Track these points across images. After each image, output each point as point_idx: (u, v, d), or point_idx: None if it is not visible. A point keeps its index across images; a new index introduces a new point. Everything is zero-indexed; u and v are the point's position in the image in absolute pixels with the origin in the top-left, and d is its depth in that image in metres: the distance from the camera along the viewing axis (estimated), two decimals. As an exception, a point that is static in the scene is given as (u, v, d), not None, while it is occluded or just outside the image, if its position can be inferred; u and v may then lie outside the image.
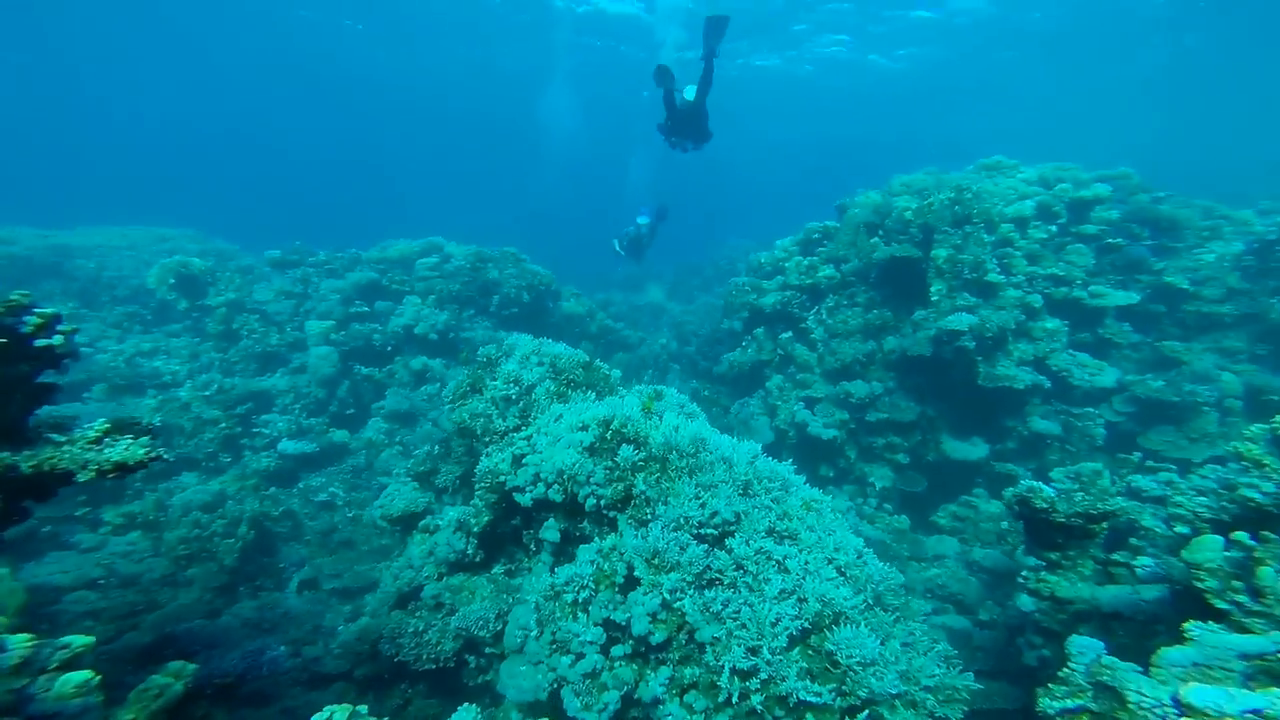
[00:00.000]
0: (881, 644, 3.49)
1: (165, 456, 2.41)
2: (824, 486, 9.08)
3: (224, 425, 8.51)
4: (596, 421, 4.31)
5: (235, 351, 9.79)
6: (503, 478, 4.47)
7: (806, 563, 3.80)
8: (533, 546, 4.84)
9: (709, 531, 3.84)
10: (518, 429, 5.06)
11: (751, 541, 3.79)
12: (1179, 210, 9.06)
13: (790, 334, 10.02)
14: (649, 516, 3.94)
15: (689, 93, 8.54)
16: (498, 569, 5.14)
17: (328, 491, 8.27)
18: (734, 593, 3.61)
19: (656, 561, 3.76)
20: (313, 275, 11.07)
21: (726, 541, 3.83)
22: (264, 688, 5.39)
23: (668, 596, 3.63)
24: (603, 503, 4.10)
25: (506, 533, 5.07)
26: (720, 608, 3.55)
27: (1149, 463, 6.95)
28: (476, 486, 4.73)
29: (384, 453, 9.09)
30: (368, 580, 7.57)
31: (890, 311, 9.26)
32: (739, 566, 3.72)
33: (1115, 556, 4.41)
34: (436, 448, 6.49)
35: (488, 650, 4.76)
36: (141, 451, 2.32)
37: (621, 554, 3.92)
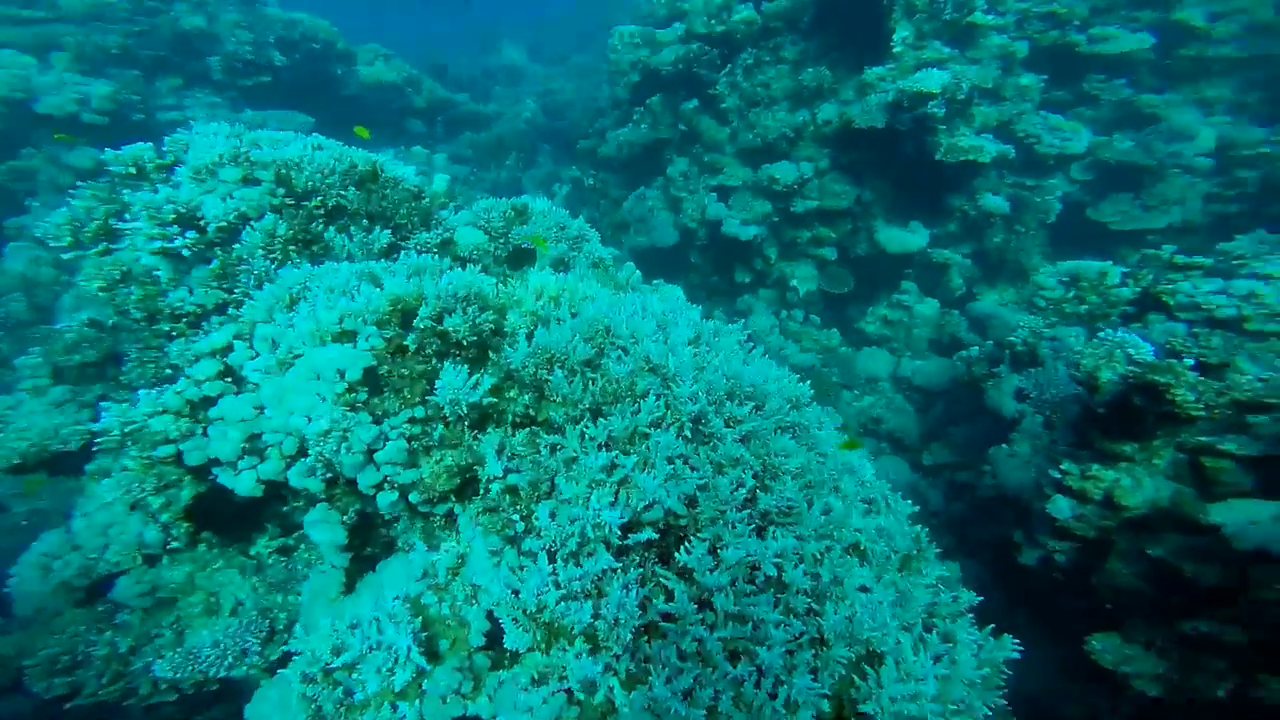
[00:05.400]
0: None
1: None
2: (740, 295, 7.45)
3: None
4: (378, 315, 1.90)
5: None
6: (177, 445, 2.05)
7: (816, 556, 2.06)
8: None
9: (646, 535, 1.91)
10: (221, 309, 2.46)
11: (725, 546, 1.94)
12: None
13: (696, 103, 7.43)
14: (518, 528, 1.88)
15: None
16: (262, 542, 2.96)
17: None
18: (707, 668, 1.84)
19: (547, 621, 1.82)
20: None
21: (677, 555, 1.94)
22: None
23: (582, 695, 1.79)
24: (414, 498, 1.92)
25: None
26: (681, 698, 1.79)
27: (1180, 257, 4.87)
28: (138, 456, 2.27)
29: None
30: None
31: (828, 69, 6.80)
32: (703, 604, 1.90)
33: (1225, 446, 2.96)
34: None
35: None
36: None
37: (473, 593, 1.94)
